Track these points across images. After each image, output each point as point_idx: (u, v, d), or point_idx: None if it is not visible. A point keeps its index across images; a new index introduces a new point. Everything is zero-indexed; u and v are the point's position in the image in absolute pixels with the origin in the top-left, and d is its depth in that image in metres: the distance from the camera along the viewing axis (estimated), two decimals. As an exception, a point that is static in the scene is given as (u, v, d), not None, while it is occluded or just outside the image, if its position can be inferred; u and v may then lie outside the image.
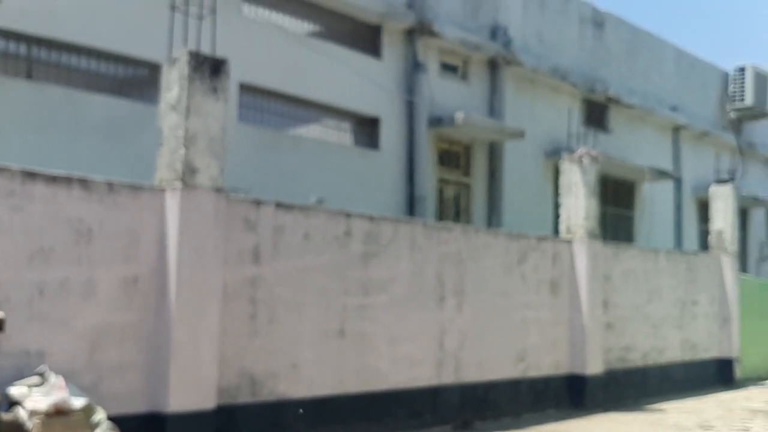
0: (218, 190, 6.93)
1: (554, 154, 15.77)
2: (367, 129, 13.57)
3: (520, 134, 15.00)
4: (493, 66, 15.43)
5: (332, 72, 12.63)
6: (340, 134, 13.36)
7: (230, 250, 7.15)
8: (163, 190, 6.75)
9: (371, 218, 8.46)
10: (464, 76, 15.15)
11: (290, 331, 7.58)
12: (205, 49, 7.33)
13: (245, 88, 11.67)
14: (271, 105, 12.31)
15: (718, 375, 13.92)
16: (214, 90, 6.95)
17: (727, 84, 22.20)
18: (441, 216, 14.52)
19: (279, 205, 7.66)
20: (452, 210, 15.01)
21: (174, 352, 6.53)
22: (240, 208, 7.31)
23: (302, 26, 12.89)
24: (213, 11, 7.87)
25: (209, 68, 6.92)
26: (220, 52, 7.30)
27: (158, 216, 6.68)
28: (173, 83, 6.88)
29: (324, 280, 7.92)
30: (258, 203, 7.49)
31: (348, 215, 8.25)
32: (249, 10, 12.05)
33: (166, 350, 6.54)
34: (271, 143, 11.95)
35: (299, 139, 12.53)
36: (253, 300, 7.33)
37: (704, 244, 18.13)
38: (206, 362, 6.76)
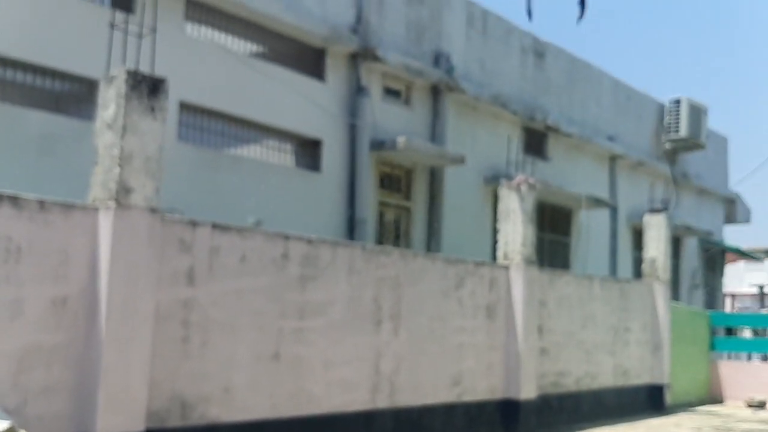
0: (153, 210, 6.84)
1: (493, 181, 15.98)
2: (308, 151, 13.59)
3: (460, 160, 15.21)
4: (436, 92, 15.63)
5: (275, 93, 12.64)
6: (282, 155, 13.34)
7: (164, 272, 7.05)
8: (96, 209, 6.64)
9: (310, 241, 8.45)
10: (407, 101, 15.31)
11: (224, 354, 7.50)
12: (145, 67, 7.27)
13: (186, 107, 11.60)
14: (212, 124, 12.24)
15: (650, 401, 14.17)
16: (152, 109, 6.88)
17: (662, 115, 22.83)
18: (381, 239, 14.57)
19: (215, 227, 7.59)
20: (392, 234, 15.09)
21: (103, 374, 6.40)
22: (175, 229, 7.22)
23: (246, 47, 12.88)
24: (153, 30, 7.82)
25: (147, 87, 6.85)
26: (160, 71, 7.23)
27: (90, 235, 6.56)
28: (110, 101, 6.79)
29: (260, 303, 7.86)
30: (194, 224, 7.41)
31: (286, 237, 8.22)
32: (192, 29, 12.01)
33: (95, 372, 6.41)
34: (211, 163, 11.87)
35: (239, 160, 12.47)
36: (187, 322, 7.23)
37: (638, 271, 18.50)
38: (136, 385, 6.64)
